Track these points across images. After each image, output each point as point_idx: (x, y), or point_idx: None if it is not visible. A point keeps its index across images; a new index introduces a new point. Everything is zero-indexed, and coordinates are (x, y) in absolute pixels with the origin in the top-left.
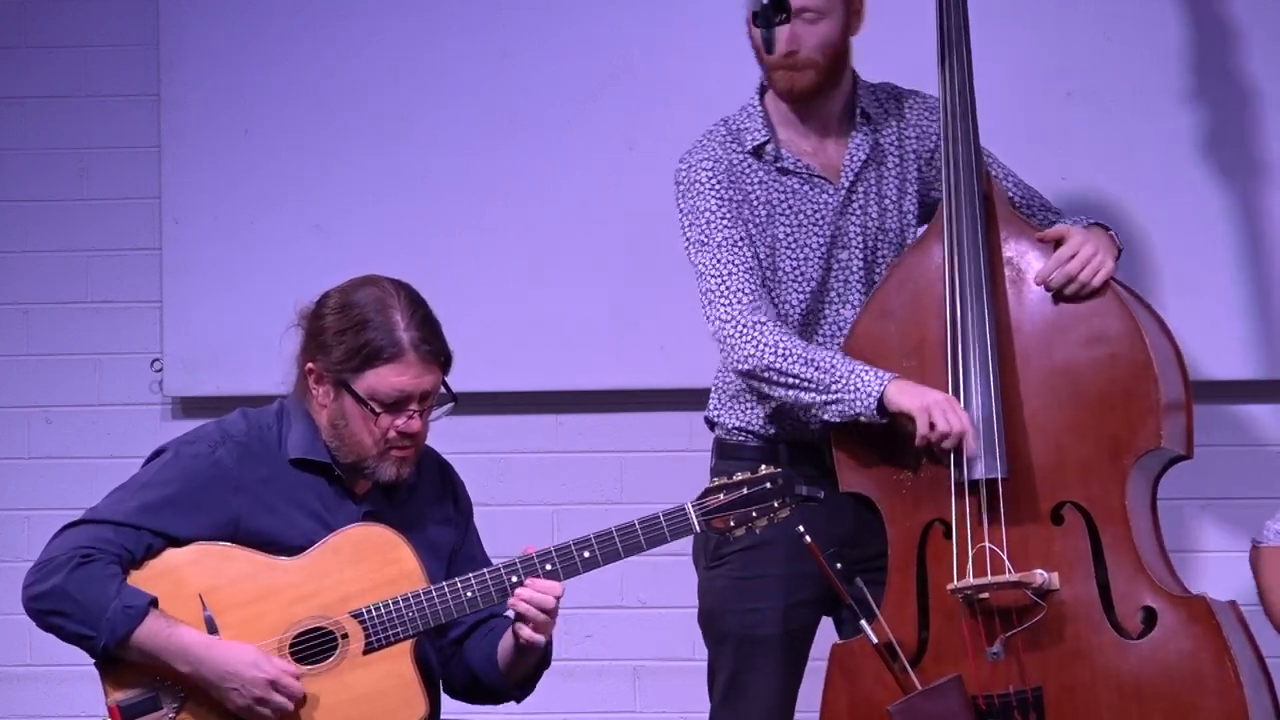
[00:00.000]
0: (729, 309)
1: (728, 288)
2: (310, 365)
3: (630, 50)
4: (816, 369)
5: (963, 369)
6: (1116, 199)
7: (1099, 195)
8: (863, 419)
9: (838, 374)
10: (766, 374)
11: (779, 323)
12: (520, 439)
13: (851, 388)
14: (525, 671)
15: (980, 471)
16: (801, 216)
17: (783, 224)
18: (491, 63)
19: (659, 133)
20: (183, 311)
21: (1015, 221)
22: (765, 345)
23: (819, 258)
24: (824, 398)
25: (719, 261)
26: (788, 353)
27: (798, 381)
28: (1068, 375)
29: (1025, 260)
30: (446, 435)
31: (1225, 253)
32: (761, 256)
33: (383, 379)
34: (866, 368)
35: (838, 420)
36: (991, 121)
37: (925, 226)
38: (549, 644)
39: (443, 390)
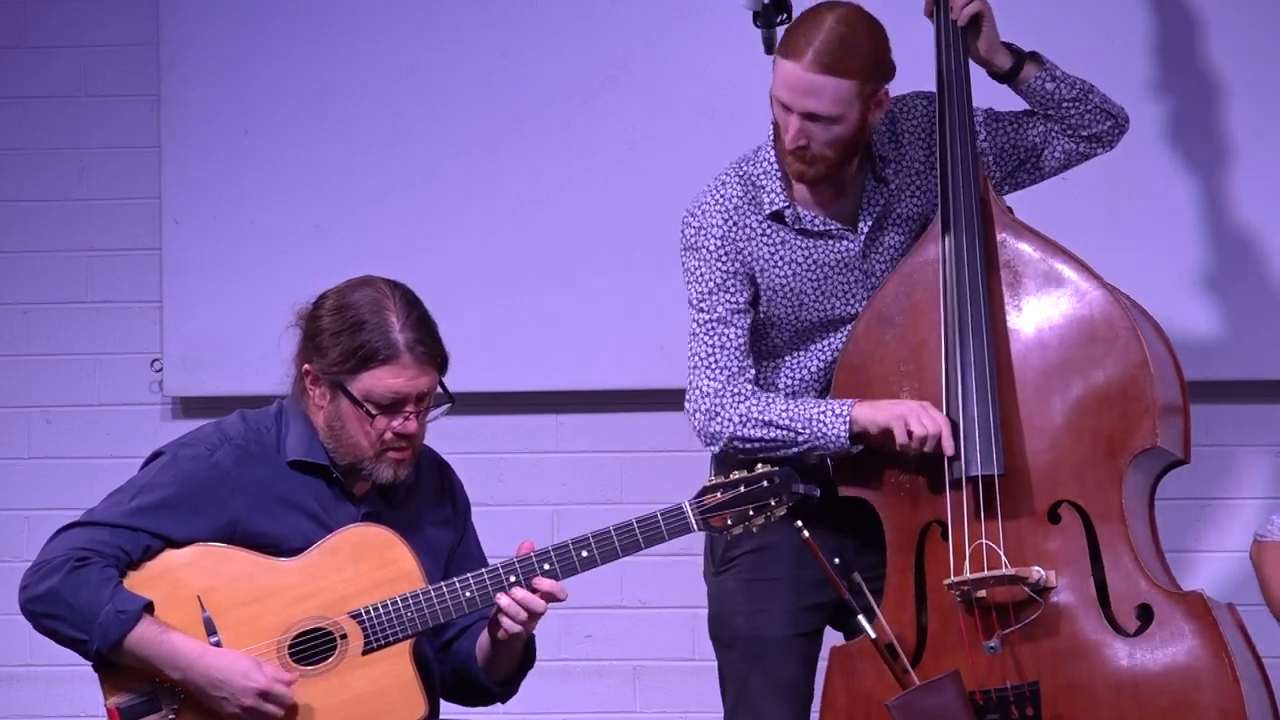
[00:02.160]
0: (709, 383)
1: (714, 361)
2: (307, 367)
3: (630, 50)
4: (778, 428)
5: (959, 370)
6: (1117, 198)
7: (1098, 194)
8: (839, 453)
9: (797, 425)
10: (734, 444)
11: (750, 392)
12: (520, 439)
13: (818, 435)
14: (507, 669)
15: (978, 469)
16: (826, 269)
17: (809, 278)
18: (491, 63)
19: (659, 133)
20: (183, 311)
21: (1012, 225)
22: (729, 420)
23: (843, 303)
24: (797, 449)
25: (712, 334)
26: (747, 420)
27: (765, 444)
28: (1064, 375)
29: (1021, 263)
30: (446, 435)
31: (1226, 251)
32: (782, 313)
33: (378, 381)
34: (824, 408)
35: (817, 459)
36: None
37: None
38: (532, 644)
39: (440, 391)
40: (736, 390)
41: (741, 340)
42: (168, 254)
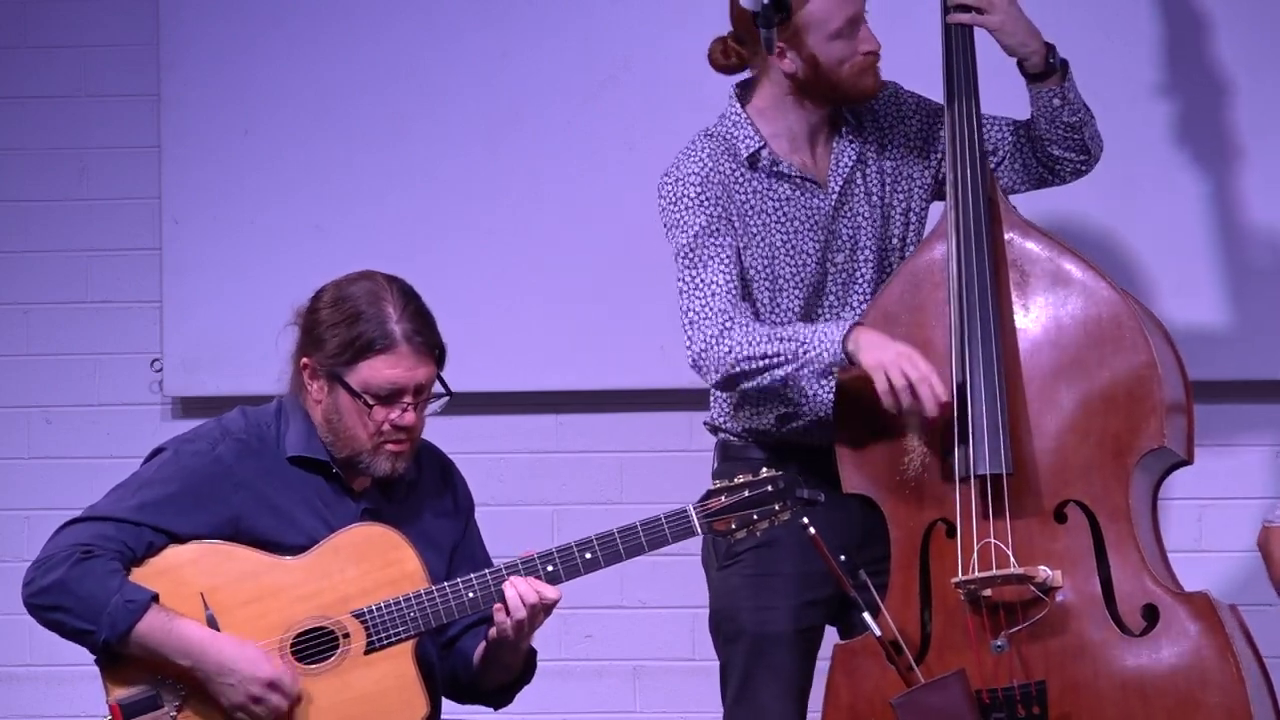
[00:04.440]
0: (705, 330)
1: (709, 308)
2: (305, 360)
3: (630, 50)
4: (783, 341)
5: (968, 369)
6: (1116, 198)
7: (1098, 194)
8: (835, 370)
9: (802, 337)
10: (739, 368)
11: (749, 322)
12: (520, 439)
13: (817, 342)
14: (502, 678)
15: (986, 467)
16: (797, 222)
17: (779, 230)
18: (491, 63)
19: (659, 133)
20: (183, 311)
21: (1019, 224)
22: (733, 344)
23: (815, 262)
24: (798, 363)
25: (702, 282)
26: (753, 339)
27: (770, 361)
28: (1071, 375)
29: (1029, 262)
30: (446, 434)
31: (1225, 251)
32: (759, 265)
33: (376, 371)
34: (831, 324)
35: (816, 378)
36: None
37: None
38: (532, 658)
39: (438, 386)
40: (729, 330)
41: (733, 283)
42: (168, 254)
